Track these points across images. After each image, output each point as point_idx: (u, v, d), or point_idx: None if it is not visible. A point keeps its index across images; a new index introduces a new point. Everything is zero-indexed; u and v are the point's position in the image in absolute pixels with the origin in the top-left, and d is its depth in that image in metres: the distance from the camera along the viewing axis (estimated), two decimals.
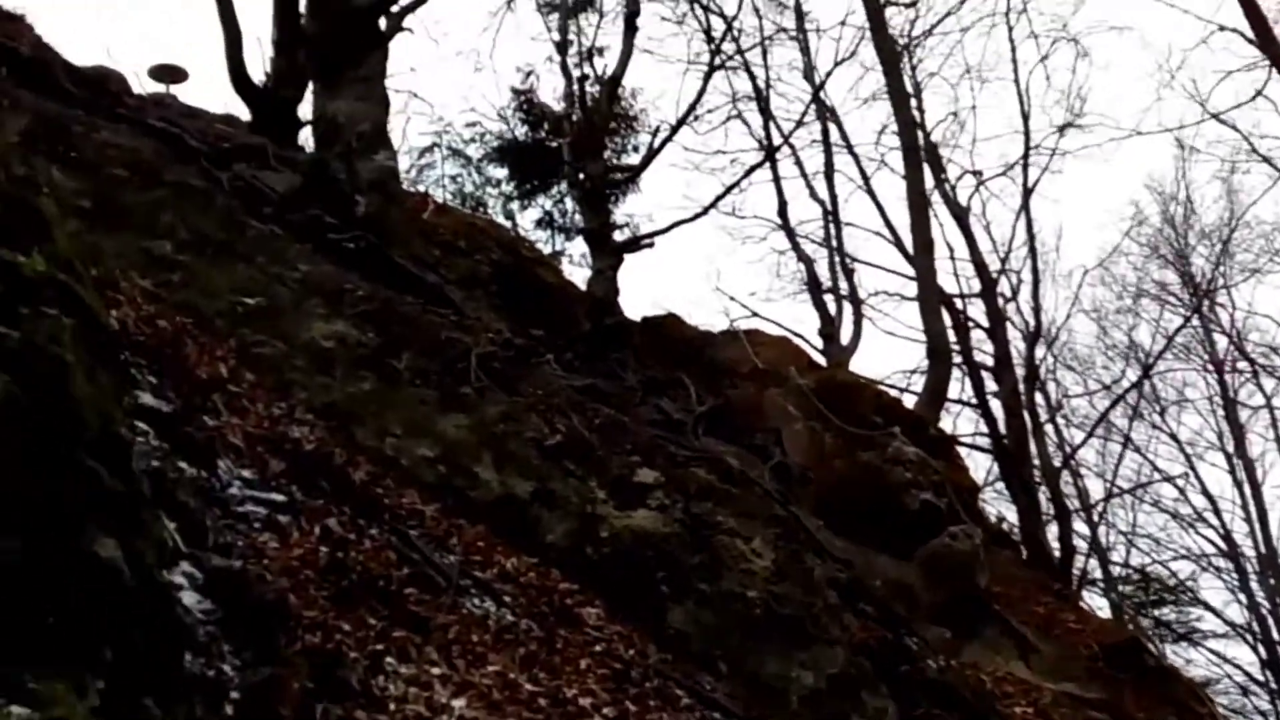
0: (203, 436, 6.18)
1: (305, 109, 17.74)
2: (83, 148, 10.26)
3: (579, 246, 24.83)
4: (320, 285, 10.47)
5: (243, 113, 18.54)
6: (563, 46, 21.69)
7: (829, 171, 25.97)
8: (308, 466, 7.08)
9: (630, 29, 19.86)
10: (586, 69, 22.06)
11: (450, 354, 10.30)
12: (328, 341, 9.54)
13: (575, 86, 21.18)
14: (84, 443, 2.80)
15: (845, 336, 24.84)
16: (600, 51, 22.75)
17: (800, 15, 25.53)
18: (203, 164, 12.05)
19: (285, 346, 9.21)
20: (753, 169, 22.64)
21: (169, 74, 18.30)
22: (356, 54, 14.23)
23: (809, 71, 25.84)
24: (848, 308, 25.40)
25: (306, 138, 18.02)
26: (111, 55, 19.31)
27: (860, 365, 23.84)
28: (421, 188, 23.13)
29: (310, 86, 16.33)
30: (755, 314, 24.94)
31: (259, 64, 18.81)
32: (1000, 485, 22.59)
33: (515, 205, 25.49)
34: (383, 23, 15.43)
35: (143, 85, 16.97)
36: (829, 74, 24.35)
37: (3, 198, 3.10)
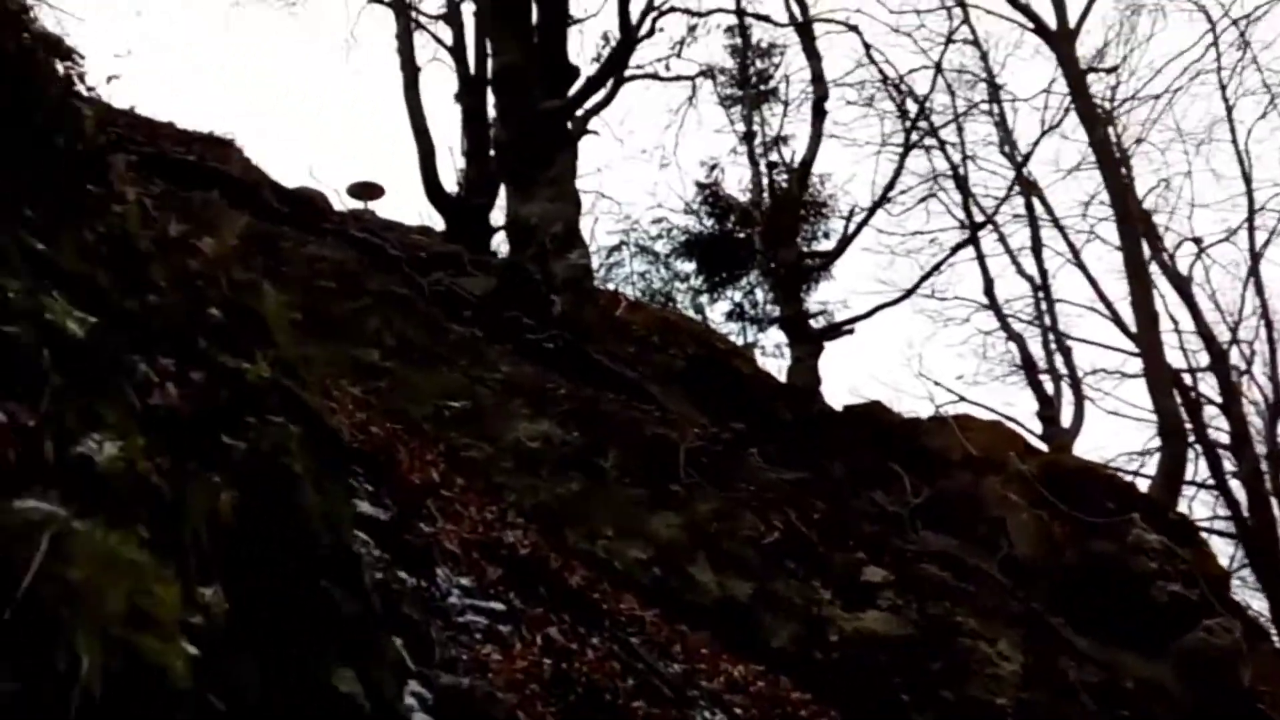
0: (420, 544, 5.97)
1: (497, 215, 18.04)
2: (292, 261, 10.44)
3: (772, 337, 24.57)
4: (522, 385, 10.38)
5: (437, 222, 18.93)
6: (749, 136, 21.67)
7: (1036, 246, 25.04)
8: (524, 572, 6.83)
9: (819, 114, 19.63)
10: (773, 157, 21.96)
11: (656, 451, 10.02)
12: (533, 442, 9.38)
13: (764, 175, 21.08)
14: (316, 559, 2.55)
15: (1066, 418, 23.67)
16: (786, 140, 22.65)
17: (994, 88, 24.92)
18: (404, 271, 12.18)
19: (492, 448, 9.08)
20: (958, 247, 21.97)
21: (366, 191, 18.80)
22: (546, 157, 14.35)
23: (1005, 144, 25.15)
24: (1066, 388, 24.25)
25: (499, 242, 18.30)
26: (314, 175, 20.01)
27: (1083, 448, 22.65)
28: (611, 285, 23.24)
29: (502, 191, 16.58)
30: (962, 398, 24.03)
31: (450, 174, 19.25)
32: (1245, 573, 21.04)
33: (704, 298, 25.39)
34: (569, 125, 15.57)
35: (343, 202, 17.45)
36: (1035, 145, 23.56)
37: (224, 303, 2.91)
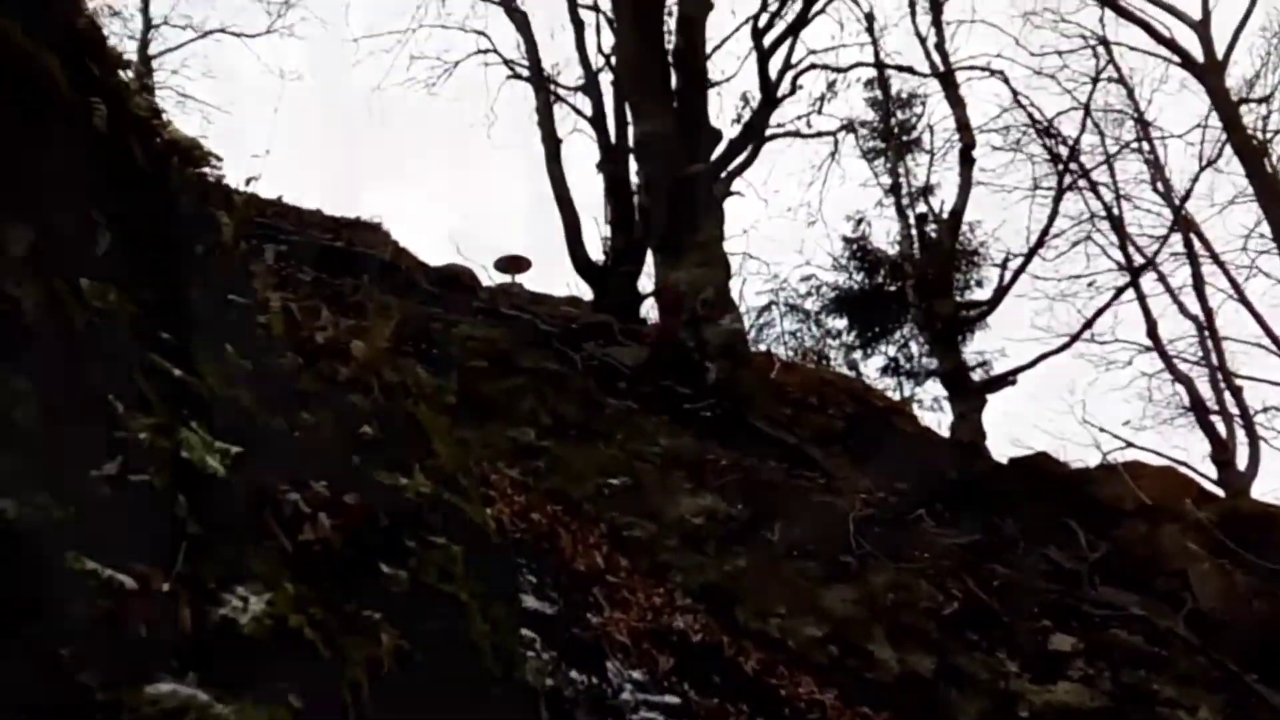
0: (589, 637, 5.71)
1: (645, 281, 17.91)
2: (444, 343, 10.40)
3: (929, 390, 23.94)
4: (681, 458, 10.11)
5: (585, 292, 18.89)
6: (895, 188, 21.27)
7: (1198, 284, 23.97)
8: (697, 659, 6.51)
9: (967, 162, 19.14)
10: (921, 208, 21.48)
11: (823, 520, 9.63)
12: (696, 518, 9.09)
13: (912, 226, 20.63)
14: (489, 701, 2.30)
15: (1240, 461, 22.50)
16: (932, 189, 22.12)
17: (1144, 125, 24.03)
18: (556, 347, 12.08)
19: (654, 526, 8.80)
20: (1120, 290, 21.10)
21: (514, 264, 18.86)
22: (692, 221, 14.17)
23: (1157, 182, 24.19)
24: (1239, 428, 23.08)
25: (648, 309, 18.16)
26: (461, 252, 20.19)
27: (1260, 490, 21.47)
28: (762, 346, 22.92)
29: (649, 258, 16.46)
30: (1130, 444, 22.96)
31: (596, 243, 19.23)
32: None
33: (858, 354, 24.88)
34: (713, 188, 15.39)
35: (491, 277, 17.54)
36: (1194, 181, 22.55)
37: (377, 411, 2.70)
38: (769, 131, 17.93)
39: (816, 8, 17.63)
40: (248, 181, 3.20)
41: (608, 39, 19.15)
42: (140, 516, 1.55)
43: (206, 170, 2.48)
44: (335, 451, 2.38)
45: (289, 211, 13.37)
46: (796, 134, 19.35)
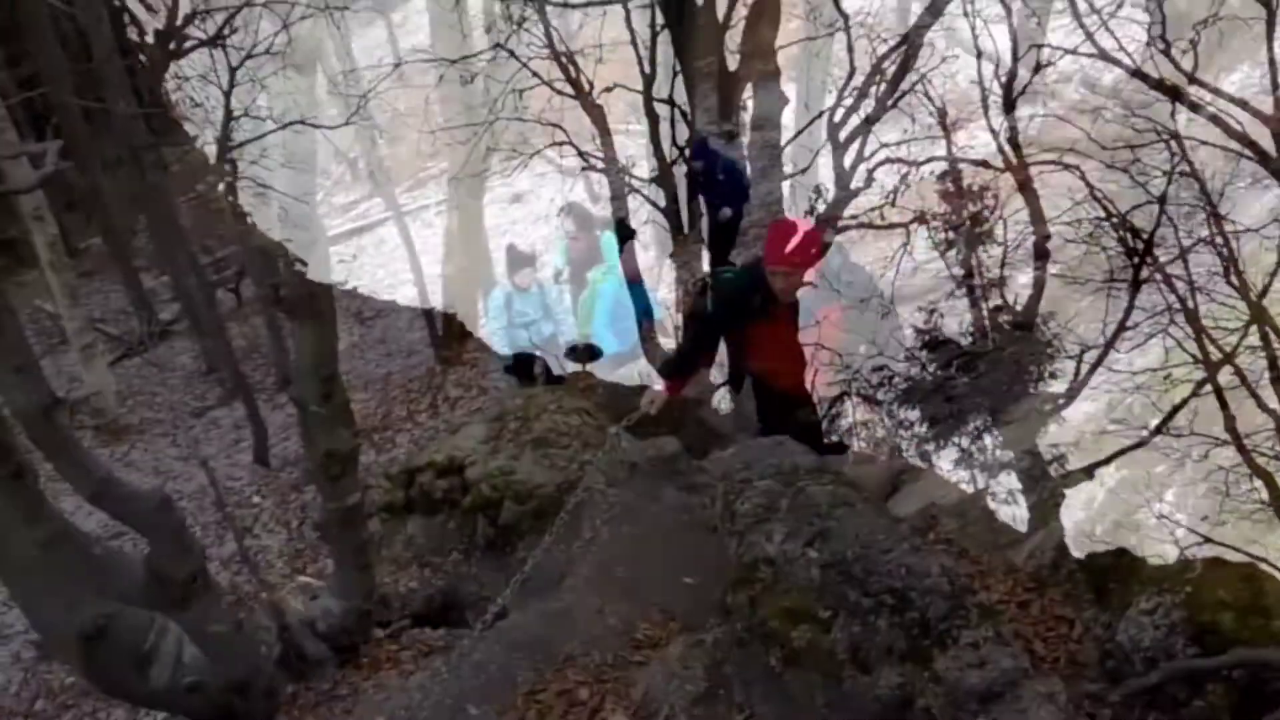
0: None
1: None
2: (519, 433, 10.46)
3: (1004, 483, 23.54)
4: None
5: (656, 380, 18.86)
6: (967, 279, 21.12)
7: (1275, 377, 23.43)
8: None
9: (1041, 254, 18.97)
10: (995, 300, 21.29)
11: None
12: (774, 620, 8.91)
13: (985, 318, 20.43)
14: None
15: None
16: (1005, 281, 21.91)
17: (1218, 219, 23.68)
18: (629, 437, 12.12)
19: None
20: (1199, 385, 20.61)
21: (585, 354, 18.89)
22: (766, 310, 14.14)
23: (1231, 275, 23.76)
24: None
25: (720, 397, 18.11)
26: (532, 340, 20.24)
27: None
28: (835, 438, 22.71)
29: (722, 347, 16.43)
30: (1208, 539, 22.38)
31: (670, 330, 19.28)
32: None
33: (930, 446, 24.56)
34: None
35: (563, 366, 17.64)
36: (1271, 275, 22.11)
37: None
38: (841, 223, 17.97)
39: (890, 102, 17.72)
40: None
41: (681, 131, 19.32)
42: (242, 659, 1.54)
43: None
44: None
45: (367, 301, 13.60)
46: (870, 225, 19.37)
